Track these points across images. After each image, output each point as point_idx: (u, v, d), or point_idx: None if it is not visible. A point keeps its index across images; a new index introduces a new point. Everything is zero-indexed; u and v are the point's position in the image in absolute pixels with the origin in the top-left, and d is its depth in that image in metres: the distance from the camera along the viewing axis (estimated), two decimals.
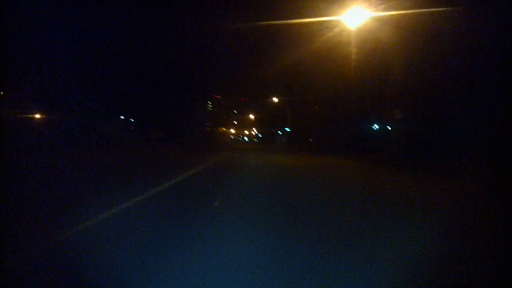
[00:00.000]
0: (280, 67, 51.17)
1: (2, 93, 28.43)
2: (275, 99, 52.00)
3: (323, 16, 21.58)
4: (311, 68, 39.50)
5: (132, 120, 57.98)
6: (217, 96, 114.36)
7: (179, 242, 4.46)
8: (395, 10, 17.14)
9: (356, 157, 25.65)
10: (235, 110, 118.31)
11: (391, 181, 12.56)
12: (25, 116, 33.13)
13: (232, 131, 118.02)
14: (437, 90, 23.00)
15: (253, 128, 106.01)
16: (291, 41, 39.96)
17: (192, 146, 37.54)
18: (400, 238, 5.02)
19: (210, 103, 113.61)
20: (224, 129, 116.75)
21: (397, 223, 5.97)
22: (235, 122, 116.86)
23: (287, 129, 56.68)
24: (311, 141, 47.59)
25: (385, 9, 16.99)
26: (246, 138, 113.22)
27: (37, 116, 36.84)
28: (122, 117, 54.90)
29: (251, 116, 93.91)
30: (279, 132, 68.56)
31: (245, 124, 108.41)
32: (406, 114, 22.35)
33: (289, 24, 27.62)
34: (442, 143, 22.62)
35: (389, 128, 29.08)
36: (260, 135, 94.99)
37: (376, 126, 32.22)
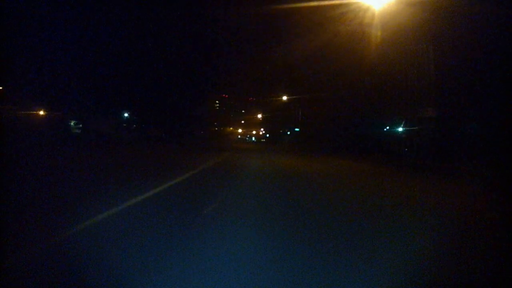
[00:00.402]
0: (290, 61, 50.72)
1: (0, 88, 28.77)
2: (284, 97, 51.62)
3: None
4: (324, 61, 38.64)
5: (133, 118, 58.43)
6: (225, 96, 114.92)
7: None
8: None
9: (375, 160, 24.66)
10: (243, 109, 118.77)
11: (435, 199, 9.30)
12: (23, 113, 33.59)
13: (240, 130, 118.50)
14: (467, 85, 20.31)
15: (261, 128, 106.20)
16: (302, 30, 39.00)
17: (193, 146, 37.31)
18: (401, 238, 5.13)
19: (217, 102, 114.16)
20: (232, 128, 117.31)
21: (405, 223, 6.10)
22: (243, 122, 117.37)
23: (296, 129, 56.54)
24: (322, 142, 46.88)
25: None
26: (253, 138, 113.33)
27: (36, 114, 37.32)
28: (126, 115, 55.43)
29: (259, 116, 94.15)
30: (287, 132, 68.51)
31: (252, 123, 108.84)
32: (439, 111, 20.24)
33: (302, 9, 26.26)
34: (463, 143, 20.63)
35: (401, 129, 28.71)
36: (268, 135, 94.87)
37: (391, 126, 31.50)
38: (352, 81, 34.64)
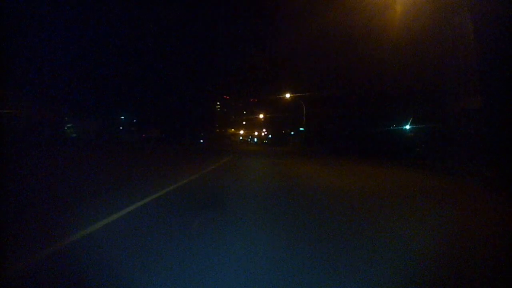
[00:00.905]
0: (293, 58, 50.14)
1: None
2: (288, 95, 50.55)
3: None
4: (328, 56, 37.43)
5: (133, 119, 58.84)
6: (226, 97, 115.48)
7: None
8: None
9: (397, 163, 22.09)
10: (244, 110, 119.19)
11: None
12: (23, 114, 33.78)
13: (242, 132, 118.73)
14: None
15: (263, 129, 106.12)
16: (305, 19, 37.94)
17: (193, 147, 36.98)
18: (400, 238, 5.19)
19: (218, 104, 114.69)
20: (233, 130, 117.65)
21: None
22: (244, 123, 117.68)
23: (301, 129, 55.95)
24: (330, 142, 45.49)
25: None
26: (255, 140, 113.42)
27: (34, 115, 37.52)
28: (125, 116, 55.80)
29: (261, 116, 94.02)
30: (291, 132, 68.21)
31: (254, 124, 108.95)
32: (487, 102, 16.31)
33: None
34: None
35: (408, 127, 28.09)
36: (271, 136, 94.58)
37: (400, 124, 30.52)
38: (360, 77, 33.29)
